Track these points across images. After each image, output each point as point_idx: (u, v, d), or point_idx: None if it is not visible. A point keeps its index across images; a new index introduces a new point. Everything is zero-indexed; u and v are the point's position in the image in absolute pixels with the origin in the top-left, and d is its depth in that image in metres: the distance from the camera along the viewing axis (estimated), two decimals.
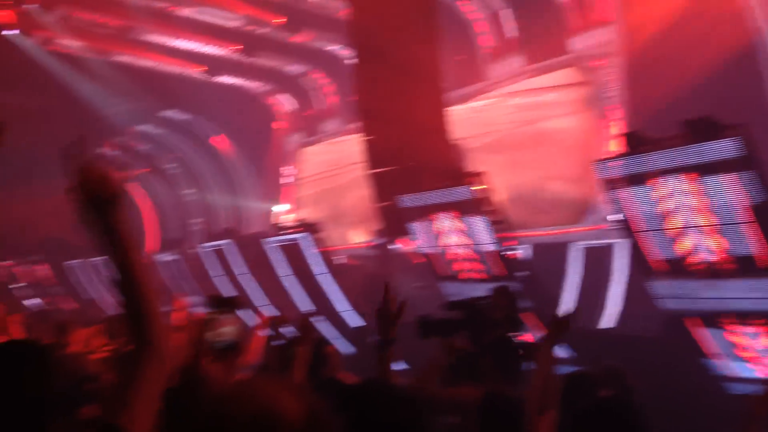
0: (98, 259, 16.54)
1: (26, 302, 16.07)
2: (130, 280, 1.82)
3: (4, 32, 15.08)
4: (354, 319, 11.32)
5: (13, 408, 1.78)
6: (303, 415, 1.37)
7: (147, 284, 1.83)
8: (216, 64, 17.62)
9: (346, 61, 15.55)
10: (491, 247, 9.09)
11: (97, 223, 1.80)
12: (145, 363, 1.76)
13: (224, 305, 3.36)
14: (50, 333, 6.20)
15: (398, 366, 3.39)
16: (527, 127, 13.18)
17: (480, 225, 9.12)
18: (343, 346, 10.10)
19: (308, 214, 16.52)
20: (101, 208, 1.79)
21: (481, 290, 7.11)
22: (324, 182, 17.85)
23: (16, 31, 15.28)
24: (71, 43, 15.75)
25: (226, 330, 3.30)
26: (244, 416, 1.34)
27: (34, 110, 15.80)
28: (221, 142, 19.67)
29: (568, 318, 3.11)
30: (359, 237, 15.02)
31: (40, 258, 18.18)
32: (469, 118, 13.85)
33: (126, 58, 16.77)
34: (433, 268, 10.13)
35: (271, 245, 12.24)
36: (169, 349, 1.91)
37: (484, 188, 9.07)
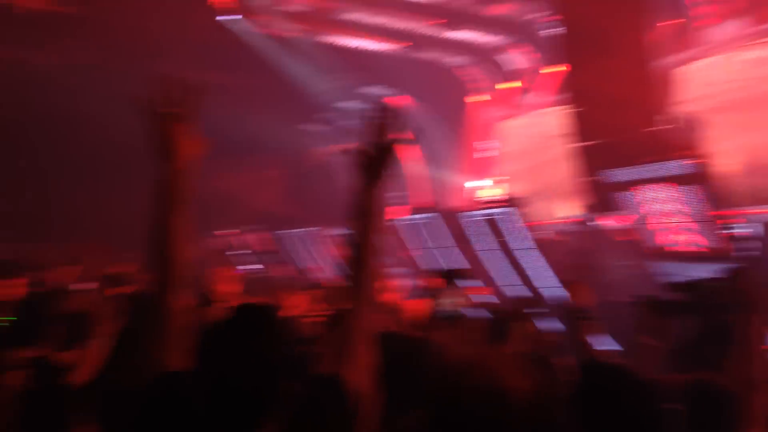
0: (310, 230, 17.50)
1: (245, 268, 17.34)
2: (366, 239, 2.09)
3: (225, 17, 16.27)
4: (559, 296, 11.02)
5: (251, 369, 1.86)
6: (532, 391, 1.33)
7: (377, 250, 2.09)
8: (416, 40, 17.80)
9: (549, 32, 15.04)
10: (711, 225, 8.42)
11: (370, 178, 2.09)
12: (361, 321, 1.95)
13: (453, 277, 3.39)
14: (267, 297, 6.63)
15: (606, 345, 3.24)
16: (760, 84, 11.85)
17: (697, 200, 8.47)
18: (547, 324, 9.88)
19: (510, 188, 16.31)
20: (380, 165, 2.07)
21: (699, 271, 6.59)
22: (526, 156, 17.51)
23: (237, 16, 16.44)
24: (283, 26, 16.65)
25: (454, 301, 3.32)
26: (475, 388, 1.32)
27: (250, 90, 16.96)
28: (398, 101, 19.82)
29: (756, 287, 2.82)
30: (564, 212, 14.58)
31: (257, 227, 19.54)
32: (692, 80, 12.80)
33: (332, 38, 17.45)
34: (643, 246, 9.59)
35: (474, 219, 12.22)
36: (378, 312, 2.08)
37: (703, 161, 8.39)
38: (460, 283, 3.39)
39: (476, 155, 19.37)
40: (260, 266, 17.72)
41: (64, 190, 18.88)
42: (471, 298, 3.52)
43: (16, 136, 17.95)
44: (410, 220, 14.08)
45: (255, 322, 1.95)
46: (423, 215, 13.70)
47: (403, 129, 2.09)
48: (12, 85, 16.12)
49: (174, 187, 2.07)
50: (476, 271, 12.24)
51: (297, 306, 5.96)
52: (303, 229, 17.75)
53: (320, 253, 17.03)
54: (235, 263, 17.77)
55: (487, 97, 19.29)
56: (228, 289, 6.44)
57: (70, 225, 15.64)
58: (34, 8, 14.12)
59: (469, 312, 3.85)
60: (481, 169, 19.04)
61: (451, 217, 13.09)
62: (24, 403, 3.21)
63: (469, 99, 19.54)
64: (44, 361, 4.01)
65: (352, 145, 2.16)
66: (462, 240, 12.58)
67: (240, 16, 16.41)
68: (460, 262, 12.61)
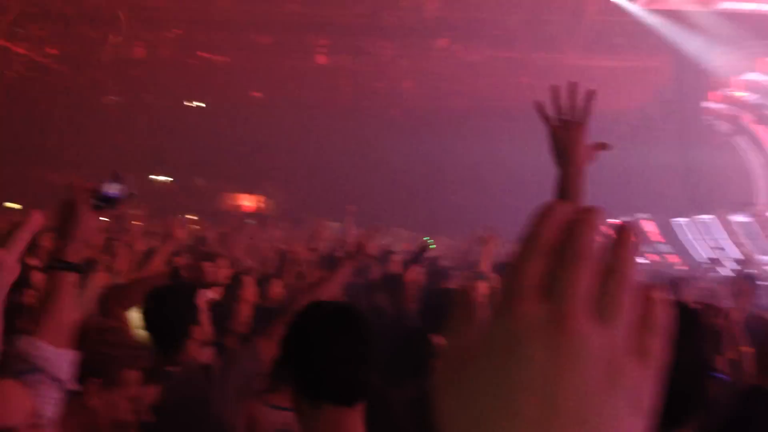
0: (706, 218, 16.17)
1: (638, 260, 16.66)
2: None
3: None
4: None
5: (678, 368, 1.79)
6: None
7: None
8: None
9: None
10: None
11: None
12: None
13: None
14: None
15: None
16: None
17: None
18: None
19: None
20: None
21: None
22: None
23: None
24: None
25: None
26: None
27: (646, 71, 16.26)
28: None
29: None
30: None
31: (647, 216, 18.69)
32: None
33: (729, 5, 15.88)
34: None
35: None
36: None
37: None
38: None
39: None
40: (649, 257, 16.93)
41: (460, 186, 20.34)
42: None
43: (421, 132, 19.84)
44: None
45: (683, 321, 1.86)
46: None
47: None
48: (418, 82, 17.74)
49: (569, 188, 2.15)
50: None
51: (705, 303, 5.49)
52: (699, 216, 16.47)
53: (722, 242, 15.62)
54: None
55: None
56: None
57: (464, 219, 16.73)
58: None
59: None
60: None
61: None
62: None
63: None
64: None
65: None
66: None
67: None
68: None
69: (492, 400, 0.42)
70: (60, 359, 1.96)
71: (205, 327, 3.34)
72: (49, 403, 1.91)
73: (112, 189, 2.07)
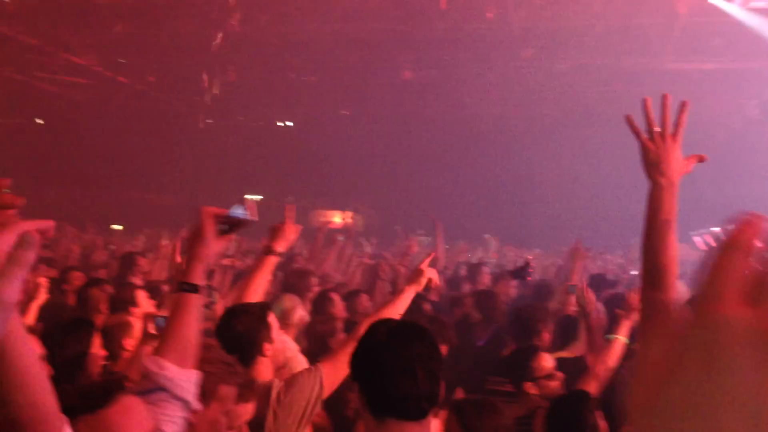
0: None
1: None
2: None
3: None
4: None
5: None
6: None
7: None
8: None
9: None
10: None
11: None
12: None
13: None
14: None
15: None
16: None
17: None
18: None
19: None
20: None
21: None
22: None
23: None
24: None
25: None
26: None
27: (741, 72, 15.54)
28: None
29: None
30: None
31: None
32: None
33: None
34: None
35: None
36: None
37: None
38: None
39: None
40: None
41: (550, 196, 19.95)
42: None
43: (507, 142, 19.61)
44: None
45: None
46: None
47: None
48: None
49: (660, 201, 2.09)
50: None
51: None
52: None
53: None
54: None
55: None
56: None
57: (555, 230, 16.36)
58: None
59: None
60: None
61: None
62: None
63: None
64: (576, 364, 4.21)
65: None
66: None
67: None
68: None
69: (691, 419, 0.38)
70: (184, 379, 1.99)
71: (277, 345, 3.39)
72: (172, 422, 1.95)
73: (237, 214, 2.15)
